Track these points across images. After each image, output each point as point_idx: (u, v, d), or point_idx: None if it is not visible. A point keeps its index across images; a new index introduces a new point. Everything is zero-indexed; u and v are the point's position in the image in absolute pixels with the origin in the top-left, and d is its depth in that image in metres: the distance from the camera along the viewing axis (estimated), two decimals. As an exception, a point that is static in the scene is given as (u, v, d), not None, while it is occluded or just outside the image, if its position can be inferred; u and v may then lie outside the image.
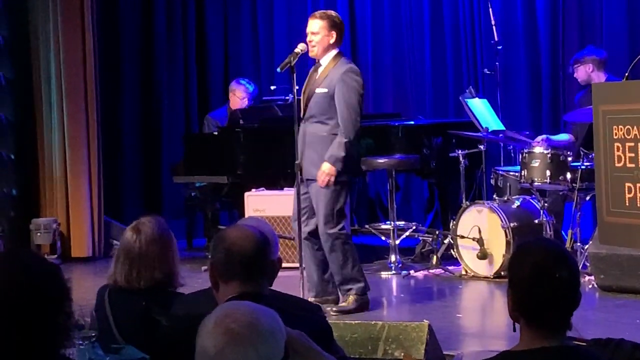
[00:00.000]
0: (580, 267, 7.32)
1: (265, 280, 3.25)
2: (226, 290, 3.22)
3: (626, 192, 4.75)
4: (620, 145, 4.76)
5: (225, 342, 2.33)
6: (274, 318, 2.43)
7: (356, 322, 5.41)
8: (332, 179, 6.98)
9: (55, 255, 9.74)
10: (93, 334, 3.72)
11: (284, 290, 3.55)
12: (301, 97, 7.12)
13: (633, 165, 4.69)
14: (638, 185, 4.67)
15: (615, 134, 4.78)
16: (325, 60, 7.13)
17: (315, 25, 7.07)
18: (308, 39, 7.10)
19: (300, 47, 7.09)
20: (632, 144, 4.69)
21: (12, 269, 2.47)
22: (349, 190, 7.28)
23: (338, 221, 7.08)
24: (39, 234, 9.91)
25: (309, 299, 7.11)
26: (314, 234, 7.16)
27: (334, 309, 7.09)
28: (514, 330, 2.95)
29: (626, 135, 4.73)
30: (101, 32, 10.40)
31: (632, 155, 4.70)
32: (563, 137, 8.92)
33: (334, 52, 7.13)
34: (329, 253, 7.11)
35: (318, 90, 7.07)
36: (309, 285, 7.25)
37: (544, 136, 8.81)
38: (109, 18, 11.13)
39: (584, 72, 8.64)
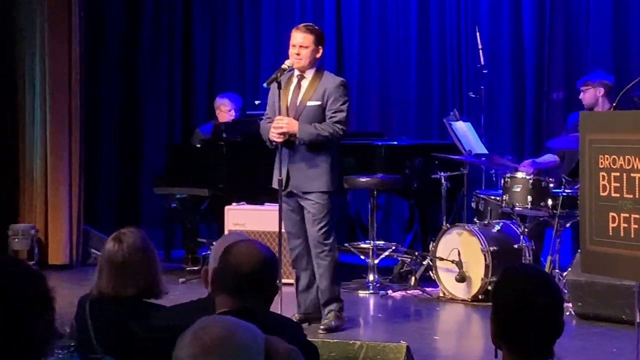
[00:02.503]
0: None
1: (259, 299, 3.23)
2: (220, 301, 3.23)
3: (610, 221, 4.75)
4: (605, 175, 4.76)
5: (196, 354, 2.33)
6: (252, 334, 2.41)
7: (334, 341, 5.41)
8: (282, 132, 6.95)
9: (33, 262, 9.68)
10: (72, 344, 3.70)
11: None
12: (280, 107, 7.10)
13: (618, 195, 4.70)
14: (622, 215, 4.68)
15: (601, 163, 4.78)
16: (310, 73, 7.15)
17: (304, 39, 7.08)
18: (295, 51, 7.09)
19: (287, 63, 7.12)
20: (618, 173, 4.69)
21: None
22: None
23: (331, 232, 7.11)
24: (16, 239, 9.86)
25: (294, 316, 7.12)
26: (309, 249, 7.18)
27: (321, 327, 7.09)
28: (496, 356, 2.94)
29: (612, 165, 4.73)
30: (86, 40, 10.37)
31: (617, 185, 4.70)
32: (548, 157, 8.93)
33: (316, 65, 7.16)
34: (321, 266, 7.11)
35: (310, 103, 7.07)
36: (303, 301, 7.25)
37: (529, 160, 8.84)
38: (94, 27, 11.09)
39: (594, 95, 8.55)
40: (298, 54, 7.07)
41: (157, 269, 4.24)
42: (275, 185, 7.14)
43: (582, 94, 8.65)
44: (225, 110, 10.30)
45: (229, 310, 3.10)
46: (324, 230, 7.07)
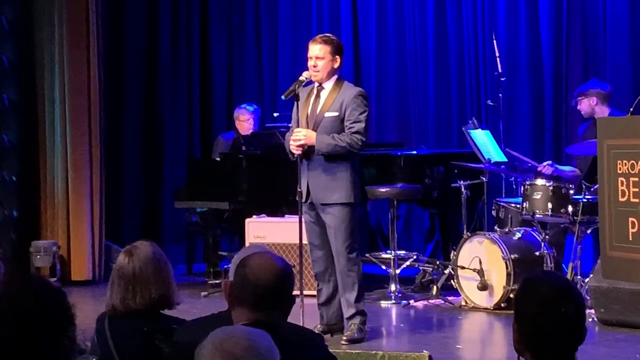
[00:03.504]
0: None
1: (278, 312, 3.23)
2: (238, 314, 3.23)
3: (630, 226, 4.75)
4: (624, 180, 4.76)
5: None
6: (269, 340, 2.46)
7: (356, 351, 5.39)
8: (300, 145, 6.98)
9: (55, 278, 9.71)
10: (94, 359, 3.71)
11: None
12: (300, 120, 7.12)
13: (637, 200, 4.70)
14: (642, 220, 4.67)
15: (620, 169, 4.78)
16: (329, 84, 7.15)
17: (320, 50, 7.08)
18: (312, 63, 7.10)
19: (304, 75, 7.12)
20: (637, 178, 4.70)
21: (19, 293, 2.47)
22: None
23: (356, 245, 7.11)
24: (38, 256, 9.90)
25: (316, 327, 7.12)
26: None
27: (344, 338, 7.08)
28: (518, 364, 2.94)
29: (630, 170, 4.73)
30: (105, 54, 10.42)
31: (636, 190, 4.70)
32: (569, 168, 8.92)
33: (336, 76, 7.16)
34: (346, 280, 7.10)
35: (328, 114, 7.07)
36: (325, 313, 7.26)
37: (549, 162, 8.83)
38: (113, 41, 11.15)
39: (588, 105, 8.64)
40: (315, 66, 7.08)
41: (170, 279, 4.23)
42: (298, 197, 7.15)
43: (578, 104, 8.70)
44: (244, 120, 10.35)
45: (249, 323, 3.11)
46: (347, 243, 7.05)
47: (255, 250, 3.68)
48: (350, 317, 7.14)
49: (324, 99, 7.14)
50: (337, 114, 7.06)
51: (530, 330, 2.87)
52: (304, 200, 7.07)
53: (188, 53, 11.89)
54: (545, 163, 8.81)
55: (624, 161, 4.77)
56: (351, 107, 7.04)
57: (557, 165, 8.84)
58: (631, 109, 4.92)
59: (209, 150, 10.92)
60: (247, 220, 9.24)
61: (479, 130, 9.04)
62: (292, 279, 3.31)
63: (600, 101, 8.58)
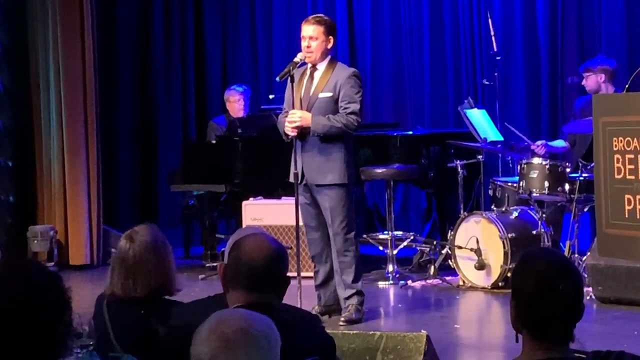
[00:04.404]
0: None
1: (273, 293, 3.23)
2: (233, 297, 3.23)
3: (626, 203, 4.74)
4: (620, 157, 4.76)
5: (219, 348, 2.35)
6: (268, 325, 2.44)
7: (354, 332, 5.39)
8: (296, 126, 6.97)
9: (52, 263, 9.72)
10: (91, 343, 3.70)
11: (283, 300, 3.54)
12: (293, 101, 7.11)
13: (633, 177, 4.69)
14: (638, 197, 4.67)
15: (615, 146, 4.78)
16: (322, 65, 7.13)
17: (313, 31, 7.06)
18: (305, 44, 7.07)
19: (299, 56, 7.11)
20: (632, 155, 4.69)
21: (14, 278, 2.46)
22: None
23: (353, 226, 7.11)
24: (35, 241, 9.90)
25: (314, 309, 7.13)
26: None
27: (342, 319, 7.09)
28: (517, 341, 2.93)
29: (626, 147, 4.73)
30: (99, 38, 10.39)
31: (632, 167, 4.70)
32: (559, 143, 8.93)
33: (329, 56, 7.15)
34: (343, 259, 7.10)
35: (322, 95, 7.06)
36: (323, 294, 7.26)
37: (542, 141, 8.84)
38: (107, 26, 11.11)
39: (595, 81, 8.56)
40: (309, 47, 7.06)
41: (170, 266, 4.22)
42: (291, 179, 7.14)
43: (584, 80, 8.65)
44: (234, 101, 10.35)
45: (244, 305, 3.10)
46: (344, 224, 7.05)
47: (250, 232, 3.68)
48: (348, 298, 7.14)
49: (317, 80, 7.12)
50: (331, 94, 7.05)
51: (527, 307, 2.86)
52: (299, 182, 7.07)
53: (182, 36, 11.86)
54: (538, 143, 8.80)
55: (620, 138, 4.76)
56: (345, 88, 7.02)
57: (549, 143, 8.84)
58: (627, 86, 4.91)
59: (204, 133, 10.90)
60: (244, 202, 9.24)
61: (475, 109, 9.03)
62: (286, 260, 3.30)
63: (608, 78, 8.52)
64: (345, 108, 7.00)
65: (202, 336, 2.39)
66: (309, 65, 7.15)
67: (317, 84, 7.11)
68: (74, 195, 10.06)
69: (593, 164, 6.27)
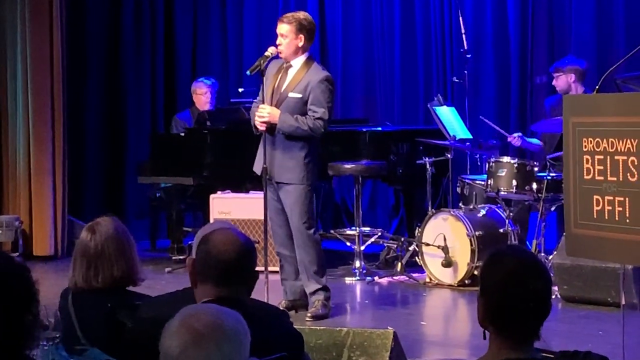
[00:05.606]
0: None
1: (242, 287, 3.23)
2: (202, 291, 3.22)
3: (594, 204, 4.75)
4: (589, 158, 4.76)
5: (188, 342, 2.35)
6: (237, 319, 2.44)
7: (321, 327, 5.39)
8: (264, 122, 6.98)
9: (17, 254, 9.65)
10: (57, 335, 3.67)
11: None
12: (265, 94, 7.09)
13: (602, 178, 4.70)
14: (606, 197, 4.68)
15: (585, 146, 4.78)
16: (297, 62, 7.13)
17: (283, 29, 7.08)
18: (277, 41, 7.10)
19: (270, 51, 7.11)
20: (602, 156, 4.69)
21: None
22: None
23: (313, 223, 7.13)
24: (0, 231, 9.83)
25: (281, 303, 7.12)
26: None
27: (309, 315, 7.09)
28: (484, 338, 2.92)
29: (596, 148, 4.73)
30: (68, 29, 10.32)
31: (601, 168, 4.70)
32: (535, 141, 8.95)
33: (305, 55, 7.14)
34: (305, 256, 7.10)
35: (291, 95, 7.06)
36: (289, 289, 7.26)
37: (519, 133, 8.86)
38: (76, 15, 11.04)
39: (565, 81, 8.58)
40: (279, 44, 7.09)
41: (132, 256, 4.20)
42: (256, 169, 7.15)
43: (554, 80, 8.68)
44: (201, 94, 10.31)
45: (214, 300, 3.09)
46: (303, 220, 7.08)
47: (218, 226, 3.66)
48: (314, 293, 7.15)
49: (290, 77, 7.13)
50: (300, 95, 7.05)
51: (495, 304, 2.86)
52: (267, 176, 7.06)
53: (152, 27, 11.80)
54: (515, 134, 8.84)
55: (590, 139, 4.76)
56: (315, 92, 7.02)
57: (525, 138, 8.86)
58: (597, 87, 4.93)
59: (169, 125, 10.85)
60: (212, 196, 9.21)
61: (444, 107, 9.05)
62: (254, 254, 3.30)
63: (578, 78, 8.56)
64: (314, 112, 7.00)
65: (171, 330, 2.39)
66: (286, 60, 7.15)
67: (289, 82, 7.11)
68: (39, 186, 10.00)
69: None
